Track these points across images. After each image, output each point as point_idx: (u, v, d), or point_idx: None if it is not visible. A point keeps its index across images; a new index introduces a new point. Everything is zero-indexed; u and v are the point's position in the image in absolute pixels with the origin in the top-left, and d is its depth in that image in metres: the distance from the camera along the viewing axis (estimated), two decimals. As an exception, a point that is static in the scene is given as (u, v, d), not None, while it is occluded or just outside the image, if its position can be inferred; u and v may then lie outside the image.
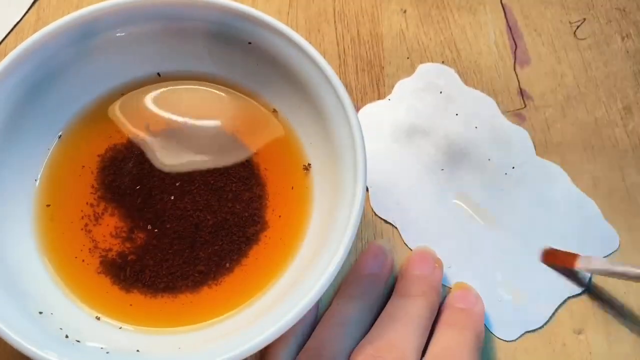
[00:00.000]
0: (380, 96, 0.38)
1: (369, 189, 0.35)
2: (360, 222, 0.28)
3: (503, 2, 0.42)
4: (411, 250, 0.34)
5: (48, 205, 0.30)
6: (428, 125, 0.37)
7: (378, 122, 0.37)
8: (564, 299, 0.33)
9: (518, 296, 0.33)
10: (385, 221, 0.35)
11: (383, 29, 0.41)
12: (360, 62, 0.39)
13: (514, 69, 0.40)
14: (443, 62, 0.39)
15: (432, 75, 0.39)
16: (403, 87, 0.38)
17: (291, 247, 0.30)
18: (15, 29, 0.39)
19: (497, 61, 0.40)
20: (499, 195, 0.35)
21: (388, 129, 0.37)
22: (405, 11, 0.41)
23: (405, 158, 0.36)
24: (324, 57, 0.29)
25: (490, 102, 0.38)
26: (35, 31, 0.29)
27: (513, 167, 0.36)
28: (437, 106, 0.37)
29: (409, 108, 0.37)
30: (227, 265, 0.30)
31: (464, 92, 0.38)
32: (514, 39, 0.41)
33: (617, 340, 0.33)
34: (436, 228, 0.35)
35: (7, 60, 0.28)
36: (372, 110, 0.38)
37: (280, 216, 0.31)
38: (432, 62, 0.40)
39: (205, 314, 0.28)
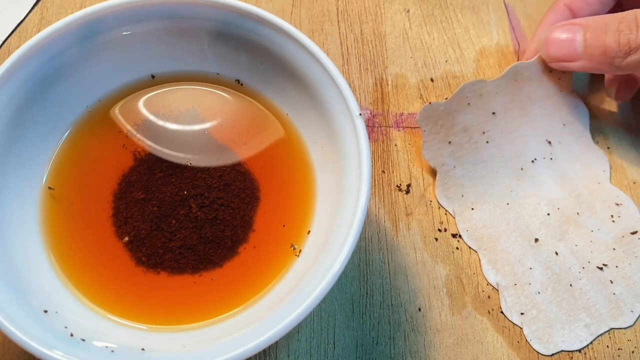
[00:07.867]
0: (384, 96, 0.38)
1: (459, 220, 0.35)
2: (365, 222, 0.28)
3: (506, 2, 0.42)
4: (487, 279, 0.34)
5: (54, 204, 0.30)
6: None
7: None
8: (607, 329, 0.33)
9: (572, 318, 0.33)
10: (470, 247, 0.35)
11: (386, 29, 0.41)
12: (364, 61, 0.40)
13: (517, 69, 0.40)
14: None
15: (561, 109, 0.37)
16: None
17: (295, 247, 0.30)
18: (19, 28, 0.39)
19: (500, 61, 0.40)
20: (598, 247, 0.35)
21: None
22: (408, 11, 0.41)
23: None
24: (327, 56, 0.30)
25: (602, 157, 0.37)
26: (39, 30, 0.29)
27: (625, 236, 0.35)
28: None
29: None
30: (232, 264, 0.30)
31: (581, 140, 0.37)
32: (517, 39, 0.41)
33: (618, 342, 0.33)
34: (521, 266, 0.34)
35: (10, 59, 0.28)
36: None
37: (284, 216, 0.31)
38: (437, 61, 0.40)
39: (209, 313, 0.28)
